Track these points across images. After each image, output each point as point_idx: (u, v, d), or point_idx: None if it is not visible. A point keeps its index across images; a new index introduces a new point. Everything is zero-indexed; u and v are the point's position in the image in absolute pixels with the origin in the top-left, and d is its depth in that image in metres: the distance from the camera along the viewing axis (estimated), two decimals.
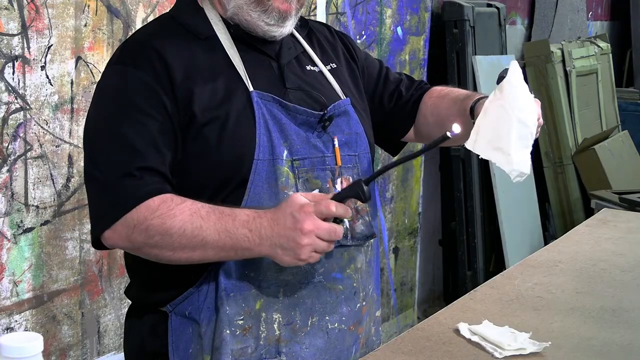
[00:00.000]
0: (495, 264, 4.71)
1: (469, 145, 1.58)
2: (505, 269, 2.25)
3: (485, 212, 4.64)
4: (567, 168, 5.15)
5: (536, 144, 5.18)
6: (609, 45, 6.07)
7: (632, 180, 5.19)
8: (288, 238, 1.51)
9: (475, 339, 1.68)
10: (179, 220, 1.54)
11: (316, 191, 1.66)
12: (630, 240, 2.42)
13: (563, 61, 5.25)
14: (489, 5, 4.78)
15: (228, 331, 1.62)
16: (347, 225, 1.68)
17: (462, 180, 4.53)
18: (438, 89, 1.95)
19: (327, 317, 1.68)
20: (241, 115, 1.63)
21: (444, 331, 1.73)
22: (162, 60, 1.62)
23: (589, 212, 4.58)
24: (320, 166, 1.68)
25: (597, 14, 6.90)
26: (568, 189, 5.16)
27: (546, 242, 4.83)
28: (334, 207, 1.51)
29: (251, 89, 1.65)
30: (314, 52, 1.82)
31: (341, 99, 1.77)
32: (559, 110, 5.14)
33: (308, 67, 1.78)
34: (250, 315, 1.63)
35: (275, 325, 1.64)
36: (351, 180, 1.72)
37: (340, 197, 1.54)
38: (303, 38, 1.82)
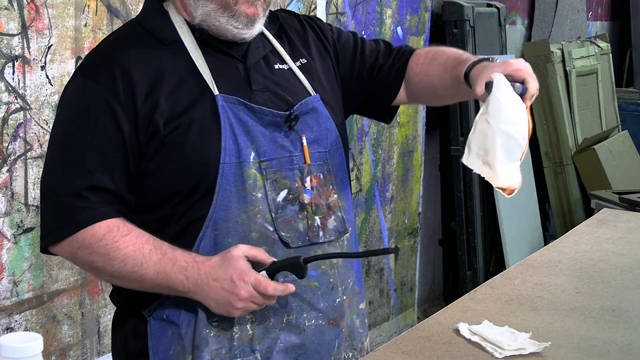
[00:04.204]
0: (495, 264, 4.72)
1: (464, 159, 1.61)
2: (505, 269, 2.25)
3: (485, 212, 4.64)
4: (567, 168, 5.15)
5: (536, 144, 5.20)
6: (609, 45, 6.07)
7: (632, 180, 5.19)
8: (224, 298, 1.60)
9: (475, 339, 1.68)
10: (122, 253, 1.61)
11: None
12: (630, 240, 2.42)
13: (563, 61, 5.25)
14: (489, 5, 4.78)
15: (207, 330, 1.65)
16: (318, 224, 1.70)
17: (462, 180, 4.53)
18: (422, 54, 1.91)
19: (305, 315, 1.69)
20: (206, 121, 1.64)
21: (444, 331, 1.73)
22: (126, 75, 1.63)
23: (589, 212, 4.58)
24: (288, 166, 1.69)
25: (597, 14, 6.90)
26: (568, 189, 5.16)
27: (546, 242, 4.83)
28: (272, 290, 1.59)
29: (216, 92, 1.66)
30: (284, 48, 1.80)
31: (310, 95, 1.76)
32: (559, 110, 5.14)
33: (276, 66, 1.77)
34: (223, 317, 1.65)
35: (248, 326, 1.66)
36: (321, 177, 1.72)
37: (277, 267, 1.61)
38: (273, 35, 1.80)
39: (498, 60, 1.69)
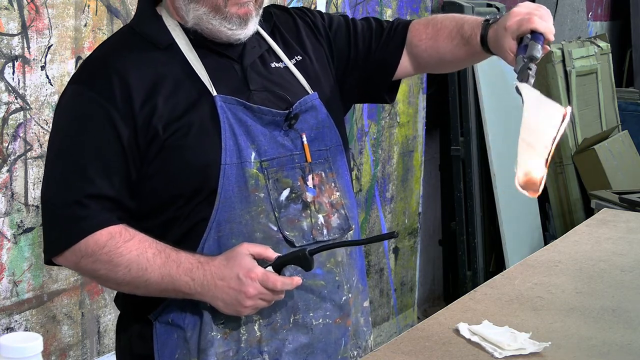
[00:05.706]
0: (495, 264, 4.71)
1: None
2: (505, 269, 2.25)
3: (485, 212, 4.63)
4: (567, 168, 5.14)
5: None
6: (609, 45, 6.06)
7: (632, 180, 5.19)
8: (231, 297, 1.59)
9: (475, 339, 1.68)
10: (126, 259, 1.61)
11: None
12: (630, 240, 2.42)
13: (563, 61, 5.24)
14: (489, 5, 4.78)
15: (213, 333, 1.65)
16: (322, 222, 1.70)
17: (462, 180, 4.53)
18: (422, 28, 1.89)
19: (312, 314, 1.69)
20: (205, 122, 1.64)
21: (444, 331, 1.73)
22: (123, 81, 1.63)
23: (589, 212, 4.58)
24: (290, 165, 1.69)
25: (597, 14, 6.90)
26: (568, 189, 5.15)
27: (546, 242, 4.82)
28: (281, 284, 1.59)
29: (215, 93, 1.65)
30: (278, 46, 1.80)
31: (308, 93, 1.76)
32: None
33: (273, 65, 1.76)
34: (230, 318, 1.65)
35: (256, 327, 1.66)
36: (323, 175, 1.72)
37: (283, 261, 1.61)
38: (268, 34, 1.80)
39: (499, 17, 1.70)
